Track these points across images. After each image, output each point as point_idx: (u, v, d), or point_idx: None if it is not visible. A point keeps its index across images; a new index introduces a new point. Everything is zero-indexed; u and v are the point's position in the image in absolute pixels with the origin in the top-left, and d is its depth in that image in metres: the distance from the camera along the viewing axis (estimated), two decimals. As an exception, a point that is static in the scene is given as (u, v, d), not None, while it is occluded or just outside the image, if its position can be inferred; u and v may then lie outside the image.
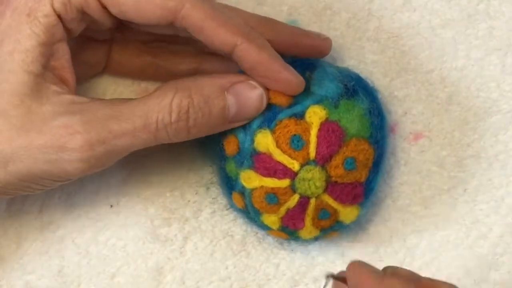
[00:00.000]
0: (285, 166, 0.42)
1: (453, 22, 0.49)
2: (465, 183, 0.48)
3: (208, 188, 0.48)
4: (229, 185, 0.44)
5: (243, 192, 0.44)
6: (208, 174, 0.48)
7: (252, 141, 0.43)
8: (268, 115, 0.43)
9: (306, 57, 0.45)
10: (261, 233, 0.47)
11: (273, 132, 0.42)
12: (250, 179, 0.43)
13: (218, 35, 0.41)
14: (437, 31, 0.49)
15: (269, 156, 0.42)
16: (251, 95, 0.42)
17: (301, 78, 0.42)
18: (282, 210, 0.43)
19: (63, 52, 0.42)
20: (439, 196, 0.48)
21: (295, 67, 0.43)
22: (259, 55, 0.41)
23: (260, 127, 0.43)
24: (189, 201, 0.48)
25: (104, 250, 0.47)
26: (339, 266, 0.47)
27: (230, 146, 0.43)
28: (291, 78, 0.42)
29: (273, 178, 0.42)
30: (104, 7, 0.41)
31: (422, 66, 0.49)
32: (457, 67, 0.49)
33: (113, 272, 0.47)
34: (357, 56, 0.49)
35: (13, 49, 0.40)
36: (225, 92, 0.42)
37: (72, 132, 0.40)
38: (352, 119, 0.43)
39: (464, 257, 0.47)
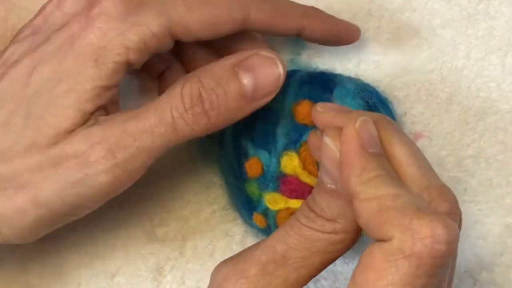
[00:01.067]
0: (311, 188, 0.41)
1: (453, 22, 0.49)
2: (465, 183, 0.48)
3: (208, 188, 0.48)
4: (250, 206, 0.44)
5: (266, 213, 0.43)
6: (208, 174, 0.48)
7: (278, 163, 0.42)
8: (293, 135, 0.42)
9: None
10: (261, 233, 0.47)
11: (298, 153, 0.42)
12: (276, 202, 0.42)
13: (285, 25, 0.43)
14: (437, 31, 0.49)
15: (296, 178, 0.42)
16: (264, 65, 0.41)
17: (356, 26, 0.47)
18: None
19: (118, 91, 0.41)
20: (439, 196, 0.48)
21: (314, 85, 0.43)
22: (325, 25, 0.45)
23: (285, 149, 0.42)
24: (189, 201, 0.48)
25: (104, 250, 0.47)
26: (339, 266, 0.47)
27: (253, 168, 0.43)
28: (353, 28, 0.46)
29: (300, 200, 0.42)
30: (173, 39, 0.41)
31: (422, 66, 0.49)
32: (457, 67, 0.49)
33: (113, 272, 0.47)
34: (357, 56, 0.48)
35: (71, 88, 0.39)
36: (236, 69, 0.41)
37: (92, 143, 0.39)
38: None
39: (464, 257, 0.47)
